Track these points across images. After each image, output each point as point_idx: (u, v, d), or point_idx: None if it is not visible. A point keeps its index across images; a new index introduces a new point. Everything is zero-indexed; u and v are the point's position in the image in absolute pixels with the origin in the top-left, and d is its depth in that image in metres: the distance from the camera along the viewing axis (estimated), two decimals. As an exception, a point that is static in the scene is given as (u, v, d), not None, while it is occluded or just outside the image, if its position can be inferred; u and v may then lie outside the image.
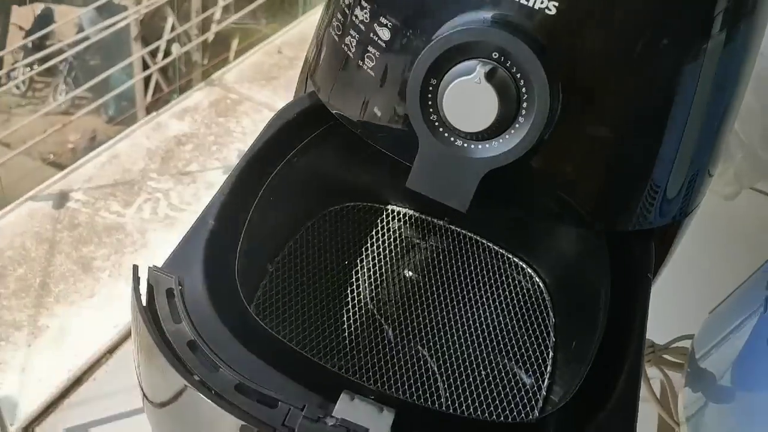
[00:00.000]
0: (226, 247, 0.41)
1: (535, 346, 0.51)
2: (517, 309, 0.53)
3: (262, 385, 0.33)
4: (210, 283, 0.38)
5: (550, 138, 0.39)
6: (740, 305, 0.54)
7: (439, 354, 0.50)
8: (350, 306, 0.52)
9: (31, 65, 3.20)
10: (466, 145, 0.39)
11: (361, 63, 0.43)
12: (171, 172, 1.19)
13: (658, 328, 0.63)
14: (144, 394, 0.39)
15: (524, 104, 0.37)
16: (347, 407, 0.33)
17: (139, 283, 0.36)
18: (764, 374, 0.45)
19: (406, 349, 0.49)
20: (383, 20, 0.41)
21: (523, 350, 0.51)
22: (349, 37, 0.44)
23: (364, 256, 0.55)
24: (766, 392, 0.45)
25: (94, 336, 0.94)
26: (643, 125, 0.41)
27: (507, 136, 0.38)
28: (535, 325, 0.52)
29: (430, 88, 0.38)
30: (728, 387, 0.51)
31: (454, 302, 0.53)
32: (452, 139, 0.39)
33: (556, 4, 0.36)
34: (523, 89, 0.37)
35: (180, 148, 1.25)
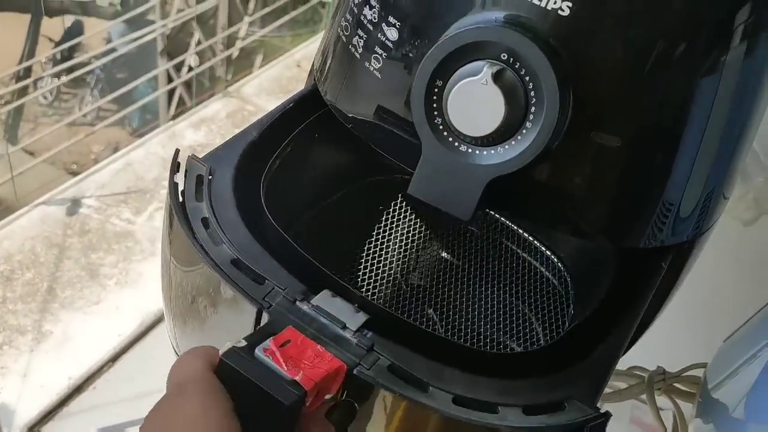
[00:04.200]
0: (261, 158, 0.46)
1: (548, 328, 0.49)
2: (536, 294, 0.52)
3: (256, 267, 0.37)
4: (236, 182, 0.43)
5: (558, 146, 0.37)
6: (756, 334, 0.51)
7: (448, 319, 0.48)
8: (370, 260, 0.50)
9: (58, 76, 3.26)
10: (470, 150, 0.37)
11: (368, 64, 0.42)
12: (184, 182, 1.18)
13: (671, 355, 0.60)
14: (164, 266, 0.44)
15: (532, 109, 0.36)
16: (326, 301, 0.36)
17: (176, 166, 0.42)
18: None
19: (415, 306, 0.48)
20: (391, 20, 0.40)
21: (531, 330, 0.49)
22: (357, 37, 0.43)
23: (394, 225, 0.54)
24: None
25: (97, 344, 0.93)
26: (657, 138, 0.39)
27: (513, 143, 0.36)
28: (551, 309, 0.50)
29: (436, 90, 0.37)
30: (741, 420, 0.48)
31: (473, 276, 0.52)
32: (456, 144, 0.37)
33: (570, 5, 0.35)
34: (532, 93, 0.35)
35: (194, 158, 1.25)
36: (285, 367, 0.30)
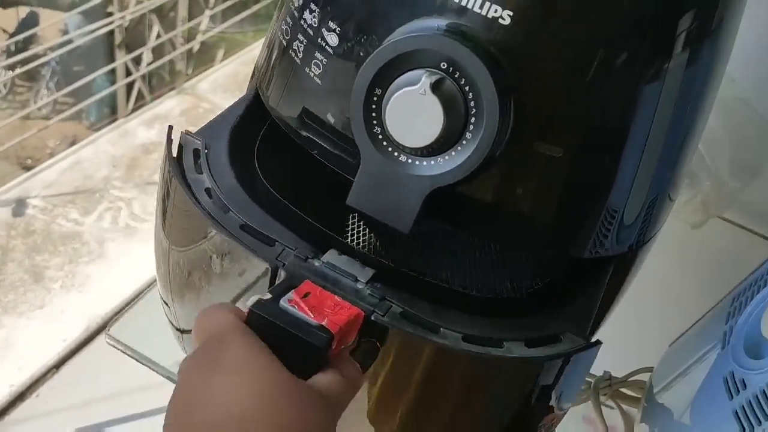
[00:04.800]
0: (252, 130, 0.48)
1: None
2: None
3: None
4: (232, 153, 0.45)
5: (500, 156, 0.36)
6: (700, 339, 0.52)
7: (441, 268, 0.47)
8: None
9: (12, 68, 3.15)
10: (410, 161, 0.36)
11: (308, 70, 0.41)
12: (135, 181, 1.16)
13: (617, 359, 0.61)
14: (161, 244, 0.46)
15: (472, 119, 0.35)
16: (335, 258, 0.39)
17: (171, 142, 0.44)
18: (720, 415, 0.43)
19: (409, 259, 0.47)
20: (332, 24, 0.39)
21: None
22: (297, 42, 0.41)
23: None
24: (723, 428, 0.43)
25: (41, 350, 0.90)
26: (600, 147, 0.39)
27: (453, 153, 0.36)
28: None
29: (375, 99, 0.36)
30: (685, 425, 0.48)
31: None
32: (396, 154, 0.37)
33: (511, 13, 0.34)
34: (472, 103, 0.35)
35: (147, 156, 1.22)
36: (311, 315, 0.33)
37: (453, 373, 0.39)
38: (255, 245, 0.38)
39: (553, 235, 0.41)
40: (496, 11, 0.34)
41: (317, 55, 0.40)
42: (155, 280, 0.50)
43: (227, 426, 0.28)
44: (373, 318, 0.35)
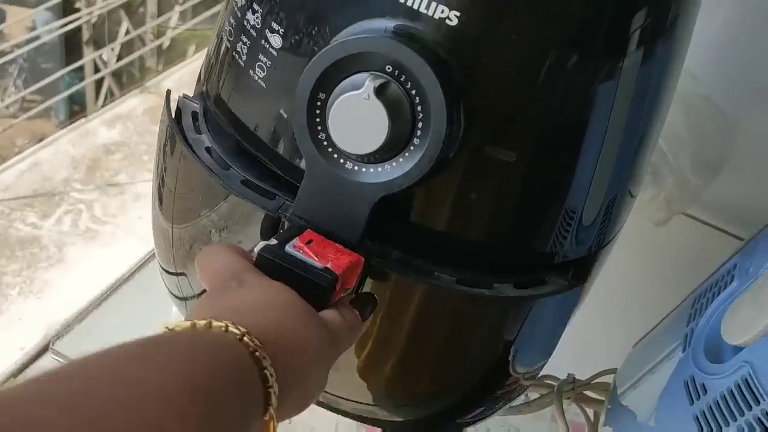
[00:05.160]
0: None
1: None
2: None
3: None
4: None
5: (450, 162, 0.35)
6: (663, 340, 0.51)
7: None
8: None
9: (-22, 67, 3.08)
10: (356, 168, 0.35)
11: (252, 72, 0.39)
12: (97, 183, 1.13)
13: (581, 361, 0.60)
14: (160, 200, 0.46)
15: (420, 124, 0.33)
16: None
17: (169, 105, 0.45)
18: (681, 420, 0.42)
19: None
20: (275, 26, 0.38)
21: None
22: (241, 43, 0.40)
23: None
24: (685, 436, 0.42)
25: (-2, 358, 0.88)
26: (555, 149, 0.38)
27: (401, 160, 0.34)
28: None
29: (318, 103, 0.35)
30: (648, 428, 0.48)
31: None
32: (342, 160, 0.35)
33: (458, 14, 0.33)
34: (419, 108, 0.33)
35: (108, 157, 1.19)
36: (315, 259, 0.34)
37: (445, 316, 0.41)
38: (257, 199, 0.39)
39: (508, 240, 0.40)
40: (443, 12, 0.33)
41: (261, 57, 0.38)
42: (108, 292, 0.49)
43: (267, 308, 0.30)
44: (373, 263, 0.37)
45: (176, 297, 0.50)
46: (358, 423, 0.76)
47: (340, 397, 0.44)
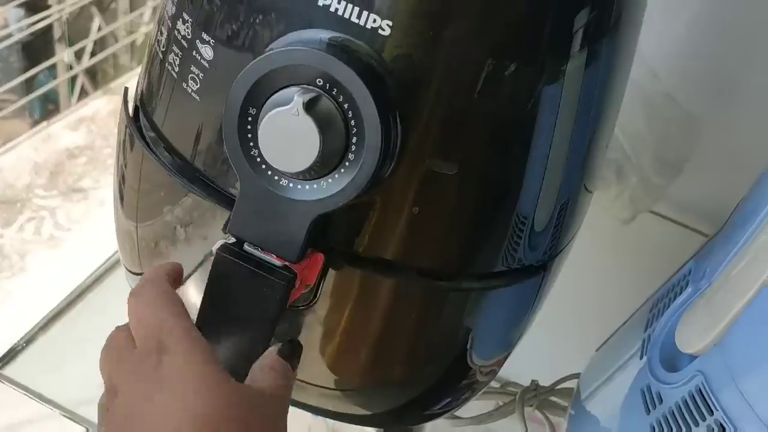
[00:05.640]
0: None
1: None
2: None
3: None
4: None
5: (389, 178, 0.34)
6: (623, 345, 0.50)
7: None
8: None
9: (-51, 66, 3.02)
10: (291, 185, 0.33)
11: (185, 85, 0.37)
12: (60, 188, 1.10)
13: (543, 367, 0.59)
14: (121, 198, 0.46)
15: (354, 139, 0.32)
16: None
17: (127, 103, 0.44)
18: (639, 429, 0.41)
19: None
20: (206, 36, 0.36)
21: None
22: (173, 54, 0.38)
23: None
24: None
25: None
26: (498, 159, 0.36)
27: (336, 176, 0.33)
28: None
29: (249, 118, 0.33)
30: (611, 434, 0.47)
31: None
32: (276, 177, 0.34)
33: (390, 23, 0.32)
34: (352, 122, 0.32)
35: (72, 161, 1.16)
36: (274, 256, 0.34)
37: (405, 307, 0.40)
38: (213, 194, 0.38)
39: (455, 254, 0.39)
40: (374, 21, 0.32)
41: (193, 69, 0.37)
42: (50, 320, 0.47)
43: None
44: (330, 261, 0.36)
45: None
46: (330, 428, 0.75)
47: (309, 383, 0.43)
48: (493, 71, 0.33)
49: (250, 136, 0.33)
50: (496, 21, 0.33)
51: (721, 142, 0.64)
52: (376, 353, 0.42)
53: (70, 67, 3.55)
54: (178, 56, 0.38)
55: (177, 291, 0.34)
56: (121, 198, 0.45)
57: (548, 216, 0.41)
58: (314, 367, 0.41)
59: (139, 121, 0.42)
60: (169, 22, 0.38)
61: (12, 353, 0.61)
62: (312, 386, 0.42)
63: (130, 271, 0.48)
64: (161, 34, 0.39)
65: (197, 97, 0.37)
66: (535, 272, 0.42)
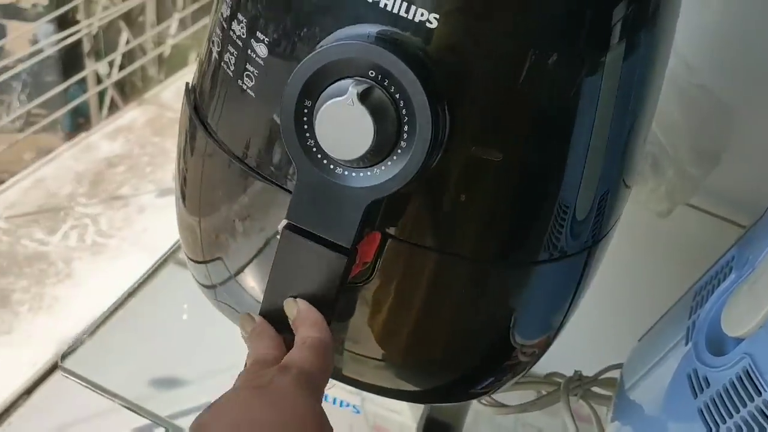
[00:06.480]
0: None
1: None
2: None
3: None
4: None
5: (439, 164, 0.35)
6: (667, 333, 0.51)
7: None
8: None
9: (-18, 83, 3.10)
10: (346, 173, 0.35)
11: (240, 82, 0.39)
12: (101, 196, 1.13)
13: (587, 357, 0.60)
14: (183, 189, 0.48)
15: (406, 128, 0.33)
16: None
17: (189, 98, 0.45)
18: (686, 414, 0.42)
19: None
20: (260, 35, 0.38)
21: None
22: (228, 54, 0.40)
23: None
24: (689, 427, 0.42)
25: (10, 376, 0.88)
26: (541, 146, 0.37)
27: (389, 163, 0.34)
28: None
29: (305, 111, 0.35)
30: (655, 423, 0.47)
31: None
32: (331, 166, 0.35)
33: (437, 16, 0.33)
34: (404, 111, 0.33)
35: (111, 170, 1.19)
36: None
37: (455, 285, 0.42)
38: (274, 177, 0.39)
39: (500, 240, 0.40)
40: (422, 15, 0.33)
41: (249, 66, 0.38)
42: (117, 306, 0.49)
43: None
44: (389, 238, 0.38)
45: (204, 286, 0.51)
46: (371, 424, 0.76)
47: (364, 355, 0.45)
48: (534, 62, 0.35)
49: (306, 127, 0.35)
50: (537, 13, 0.34)
51: (756, 132, 0.64)
52: (425, 330, 0.43)
53: (99, 80, 3.61)
54: (233, 55, 0.39)
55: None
56: (183, 195, 0.47)
57: (589, 205, 0.42)
58: (369, 341, 0.43)
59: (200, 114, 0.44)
60: (224, 23, 0.40)
61: (72, 348, 0.64)
62: (366, 358, 0.44)
63: (192, 260, 0.49)
64: (216, 35, 0.41)
65: (252, 94, 0.39)
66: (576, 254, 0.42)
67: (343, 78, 0.33)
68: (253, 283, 0.44)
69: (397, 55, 0.32)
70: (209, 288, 0.50)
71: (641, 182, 0.65)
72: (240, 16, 0.38)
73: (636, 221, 0.56)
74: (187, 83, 0.47)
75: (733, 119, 0.62)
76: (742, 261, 0.45)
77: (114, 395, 0.60)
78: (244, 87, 0.39)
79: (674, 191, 0.65)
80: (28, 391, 0.89)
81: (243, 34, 0.38)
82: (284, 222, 0.37)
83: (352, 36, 0.34)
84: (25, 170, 1.17)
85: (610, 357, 0.60)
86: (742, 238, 0.49)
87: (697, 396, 0.41)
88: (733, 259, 0.47)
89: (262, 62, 0.38)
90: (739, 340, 0.40)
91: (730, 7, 0.63)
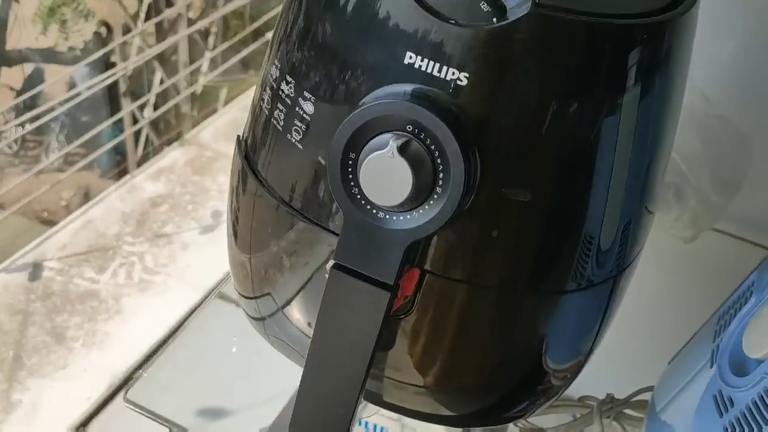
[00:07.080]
0: None
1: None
2: None
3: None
4: None
5: (472, 205, 0.39)
6: (693, 356, 0.53)
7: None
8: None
9: (22, 125, 3.24)
10: (388, 216, 0.39)
11: (289, 136, 0.43)
12: (146, 235, 1.19)
13: (619, 380, 0.62)
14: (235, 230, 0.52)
15: (441, 175, 0.37)
16: None
17: (240, 147, 0.49)
18: (713, 430, 0.44)
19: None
20: (307, 94, 0.42)
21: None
22: (278, 110, 0.44)
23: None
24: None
25: (67, 409, 0.93)
26: (565, 185, 0.41)
27: (426, 207, 0.38)
28: None
29: (350, 163, 0.39)
30: (686, 442, 0.49)
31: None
32: (375, 211, 0.39)
33: (467, 75, 0.37)
34: (438, 160, 0.37)
35: (155, 209, 1.25)
36: None
37: (486, 317, 0.45)
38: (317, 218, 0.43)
39: (529, 273, 0.43)
40: (453, 74, 0.37)
41: (296, 122, 0.43)
42: (168, 339, 0.53)
43: None
44: (427, 274, 0.41)
45: (253, 318, 0.54)
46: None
47: (404, 382, 0.47)
48: (556, 110, 0.38)
49: (351, 176, 0.39)
50: (557, 67, 0.38)
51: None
52: (461, 357, 0.46)
53: (135, 119, 3.72)
54: (282, 112, 0.44)
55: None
56: (235, 234, 0.51)
57: (613, 236, 0.45)
58: (408, 369, 0.46)
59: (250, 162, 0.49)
60: (273, 83, 0.44)
61: (134, 381, 0.68)
62: (406, 385, 0.47)
63: (243, 296, 0.53)
64: (265, 93, 0.45)
65: (300, 146, 0.43)
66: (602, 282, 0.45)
67: (384, 132, 0.37)
68: (298, 315, 0.48)
69: (431, 110, 0.36)
70: (258, 320, 0.54)
71: (665, 210, 0.68)
72: (289, 78, 0.43)
73: (662, 246, 0.58)
74: (239, 135, 0.51)
75: (751, 147, 0.64)
76: (762, 285, 0.48)
77: (173, 424, 0.64)
78: (293, 140, 0.43)
79: (698, 219, 0.67)
80: (84, 424, 0.93)
81: (291, 93, 0.43)
82: (332, 262, 0.41)
83: (390, 94, 0.38)
84: (74, 213, 1.23)
85: (642, 380, 0.62)
86: (762, 263, 0.52)
87: (722, 415, 0.44)
88: (753, 284, 0.49)
89: (309, 118, 0.42)
90: (759, 361, 0.42)
91: (746, 42, 0.66)
